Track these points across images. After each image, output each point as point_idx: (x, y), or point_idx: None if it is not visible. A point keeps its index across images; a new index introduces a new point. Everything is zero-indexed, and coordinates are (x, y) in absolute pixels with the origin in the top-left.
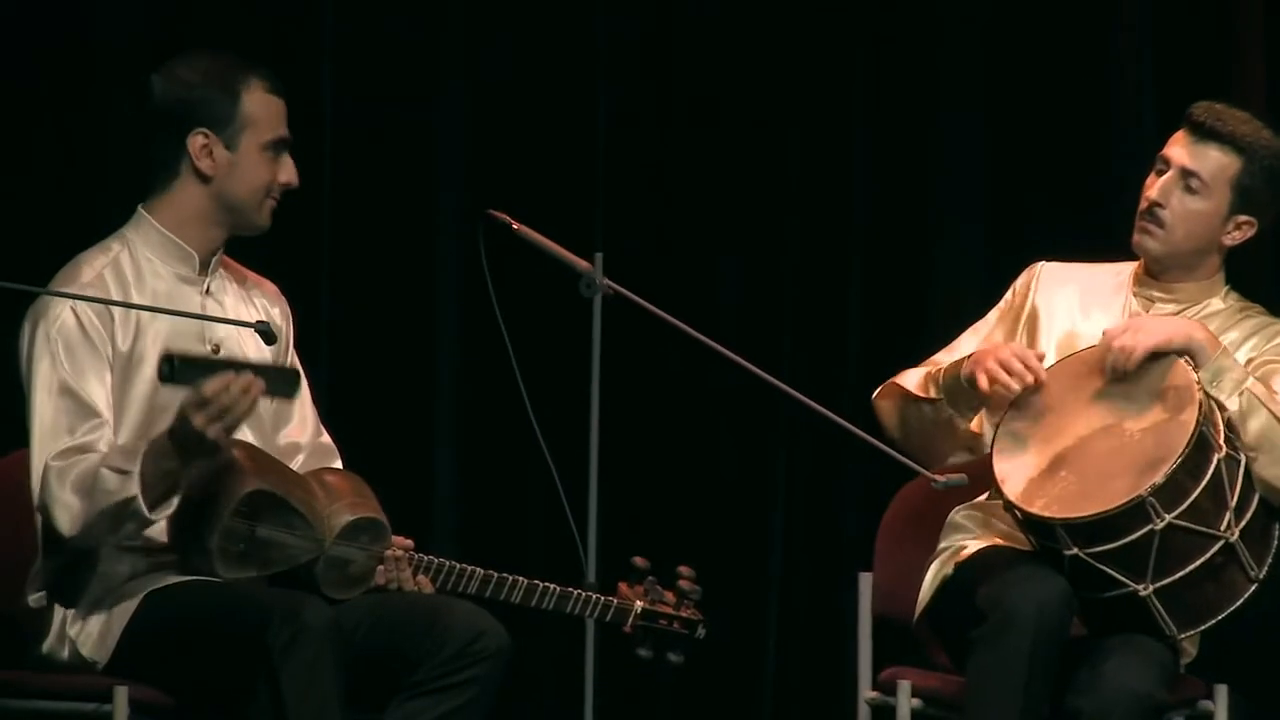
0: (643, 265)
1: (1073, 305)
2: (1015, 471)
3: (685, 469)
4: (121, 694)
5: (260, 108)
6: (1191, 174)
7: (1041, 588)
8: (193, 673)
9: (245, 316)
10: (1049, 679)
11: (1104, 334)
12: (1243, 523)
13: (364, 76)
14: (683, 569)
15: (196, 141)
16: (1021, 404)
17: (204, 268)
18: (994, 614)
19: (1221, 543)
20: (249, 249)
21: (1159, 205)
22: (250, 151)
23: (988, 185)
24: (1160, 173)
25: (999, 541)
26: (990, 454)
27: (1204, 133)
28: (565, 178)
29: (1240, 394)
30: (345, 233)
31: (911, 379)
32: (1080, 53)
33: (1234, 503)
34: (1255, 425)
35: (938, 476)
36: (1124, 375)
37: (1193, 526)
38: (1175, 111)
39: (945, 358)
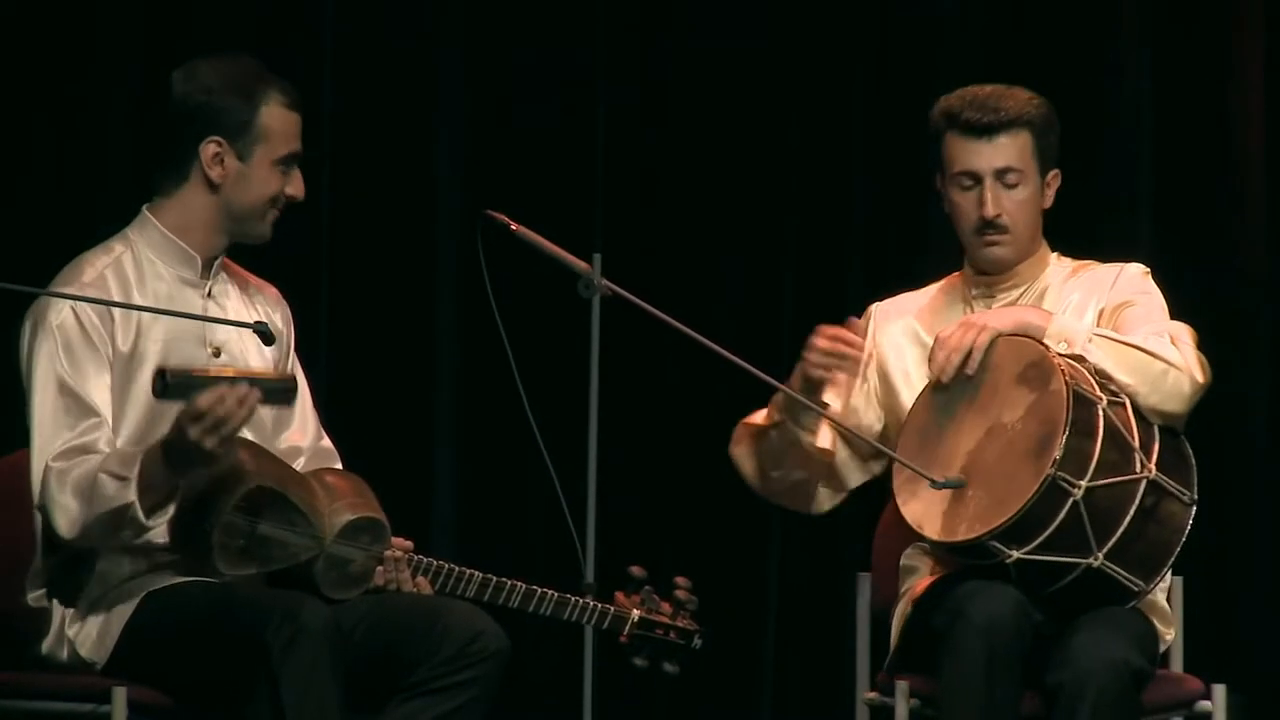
0: (642, 265)
1: (916, 334)
2: (926, 512)
3: (685, 469)
4: (120, 694)
5: (277, 122)
6: (1005, 170)
7: (989, 599)
8: (191, 673)
9: (246, 319)
10: (1013, 685)
11: (935, 339)
12: (1154, 457)
13: (364, 77)
14: (679, 579)
15: (209, 149)
16: (902, 451)
17: (206, 271)
18: (949, 635)
19: (1144, 483)
20: (249, 249)
21: (998, 216)
22: (262, 164)
23: None
24: (970, 188)
25: (950, 569)
26: (896, 506)
27: (993, 128)
28: (565, 178)
29: (1090, 341)
30: (345, 233)
31: (756, 416)
32: (1080, 53)
33: (1137, 443)
34: (1120, 364)
35: (936, 477)
36: (976, 376)
37: (1109, 481)
38: (1175, 111)
39: None
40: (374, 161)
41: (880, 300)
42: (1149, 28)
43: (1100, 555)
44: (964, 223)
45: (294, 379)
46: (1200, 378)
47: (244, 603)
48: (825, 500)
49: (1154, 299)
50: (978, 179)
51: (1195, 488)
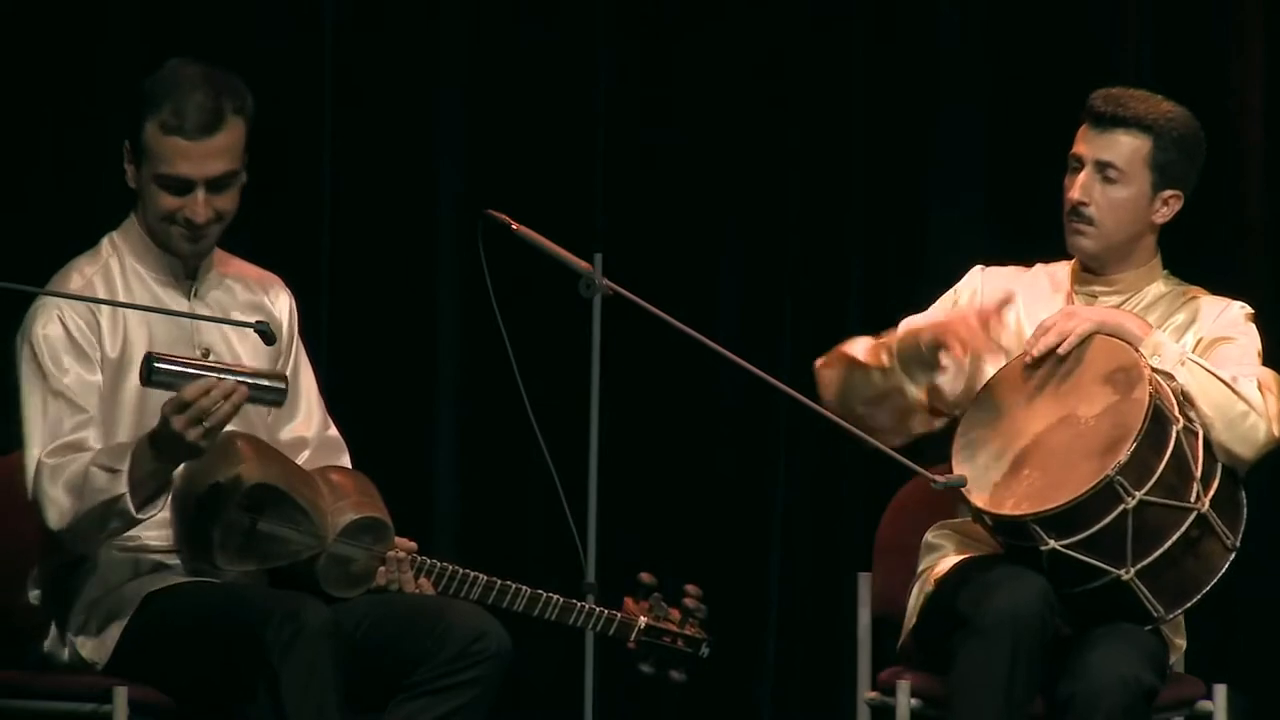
0: (643, 265)
1: (1018, 311)
2: (978, 479)
3: (685, 469)
4: (121, 694)
5: (152, 143)
6: (1107, 164)
7: (1018, 588)
8: (192, 673)
9: (239, 318)
10: (1033, 678)
11: (1039, 326)
12: (1211, 492)
13: (364, 76)
14: (689, 587)
15: (125, 152)
16: (973, 414)
17: (191, 273)
18: (973, 619)
19: (1194, 514)
20: (250, 252)
21: (1083, 204)
22: (146, 179)
23: (987, 185)
24: (1075, 171)
25: (974, 553)
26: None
27: (1108, 121)
28: (565, 178)
29: (1183, 364)
30: (345, 233)
31: (860, 347)
32: (1080, 51)
33: (1199, 473)
34: (1205, 394)
35: (937, 477)
36: (1063, 359)
37: (1163, 501)
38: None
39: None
40: (374, 161)
41: (988, 265)
42: (1149, 26)
43: (1132, 570)
44: (1064, 205)
45: (285, 380)
46: (1277, 431)
47: (244, 602)
48: (895, 438)
49: (1251, 341)
50: (1082, 163)
51: (1240, 536)
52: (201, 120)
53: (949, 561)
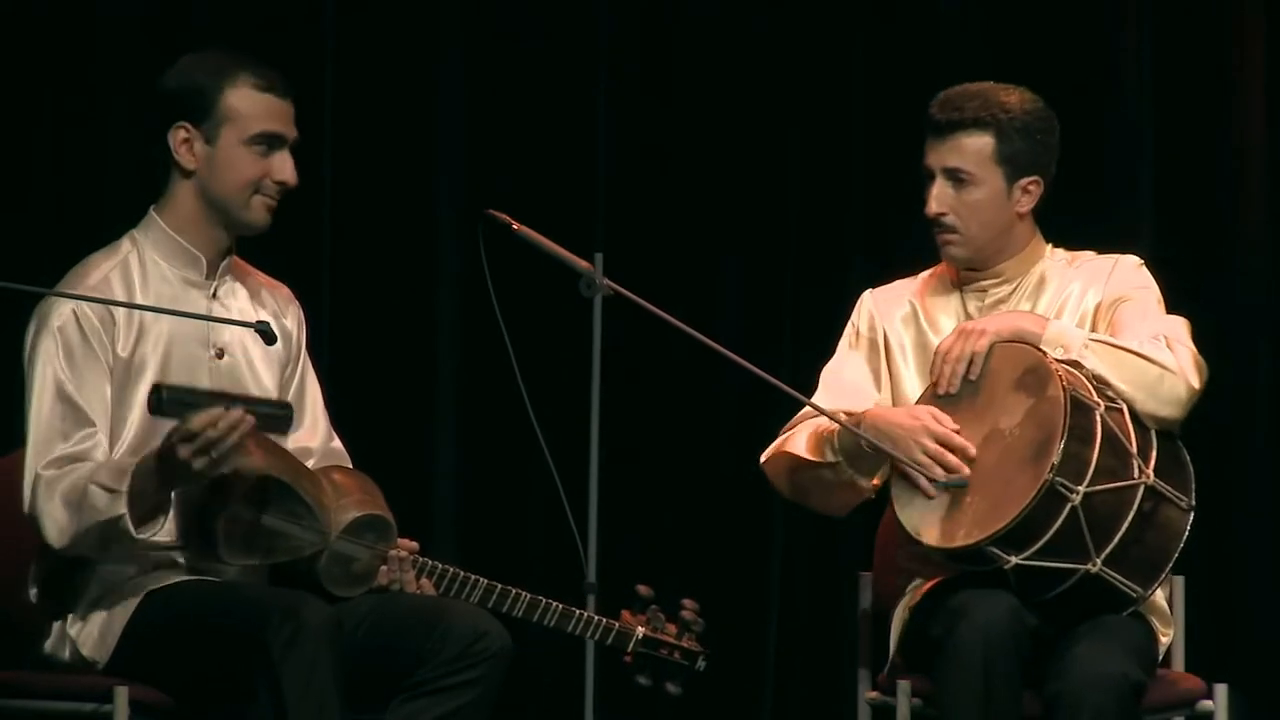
0: (643, 265)
1: (915, 316)
2: (924, 519)
3: (685, 468)
4: (122, 694)
5: (244, 103)
6: (954, 170)
7: (985, 607)
8: (192, 672)
9: (251, 320)
10: (1013, 694)
11: (935, 351)
12: (1152, 462)
13: (364, 76)
14: (686, 601)
15: (178, 135)
16: None
17: (213, 271)
18: (946, 645)
19: (1142, 488)
20: (254, 249)
21: (942, 214)
22: (230, 146)
23: None
24: (929, 182)
25: (946, 574)
26: (892, 512)
27: (946, 128)
28: (565, 177)
29: (1087, 347)
30: (346, 234)
31: (800, 443)
32: (1080, 52)
33: (1134, 448)
34: (1117, 370)
35: (938, 477)
36: (975, 382)
37: (1107, 487)
38: (1176, 110)
39: (820, 403)
40: (374, 162)
41: (874, 288)
42: (1149, 26)
43: (1098, 561)
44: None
45: (290, 406)
46: (1196, 382)
47: (245, 601)
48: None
49: (1150, 293)
50: (933, 174)
51: (1193, 493)
52: (284, 85)
53: (921, 587)
